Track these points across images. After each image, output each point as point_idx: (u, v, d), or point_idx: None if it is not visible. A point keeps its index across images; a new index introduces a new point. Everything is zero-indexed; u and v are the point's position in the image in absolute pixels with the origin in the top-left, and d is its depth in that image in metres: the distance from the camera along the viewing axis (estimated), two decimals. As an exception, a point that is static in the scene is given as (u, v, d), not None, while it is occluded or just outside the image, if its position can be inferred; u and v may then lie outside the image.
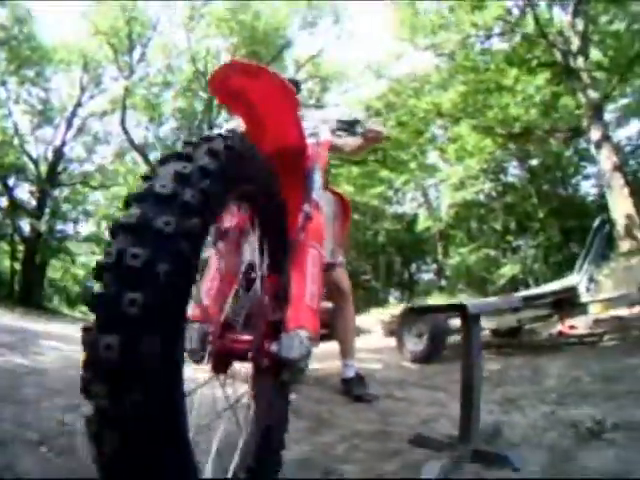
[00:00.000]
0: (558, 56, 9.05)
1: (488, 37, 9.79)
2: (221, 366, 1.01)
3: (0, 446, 1.26)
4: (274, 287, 1.15)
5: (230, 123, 2.32)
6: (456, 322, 3.74)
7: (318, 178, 1.53)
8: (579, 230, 14.42)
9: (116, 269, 0.64)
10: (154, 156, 18.59)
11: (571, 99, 10.26)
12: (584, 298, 2.94)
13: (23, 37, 14.46)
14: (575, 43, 8.85)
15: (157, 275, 0.62)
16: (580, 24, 8.99)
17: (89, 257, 24.18)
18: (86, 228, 20.97)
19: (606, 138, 8.49)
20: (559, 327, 3.51)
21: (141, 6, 15.21)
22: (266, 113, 1.30)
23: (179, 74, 16.54)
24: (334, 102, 19.44)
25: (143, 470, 0.61)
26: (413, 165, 16.17)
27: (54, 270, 22.16)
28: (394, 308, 9.78)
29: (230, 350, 0.99)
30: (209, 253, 1.28)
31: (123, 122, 15.17)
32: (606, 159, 8.34)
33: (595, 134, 8.58)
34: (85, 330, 0.64)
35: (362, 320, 6.66)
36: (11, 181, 16.06)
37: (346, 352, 2.33)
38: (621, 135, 14.18)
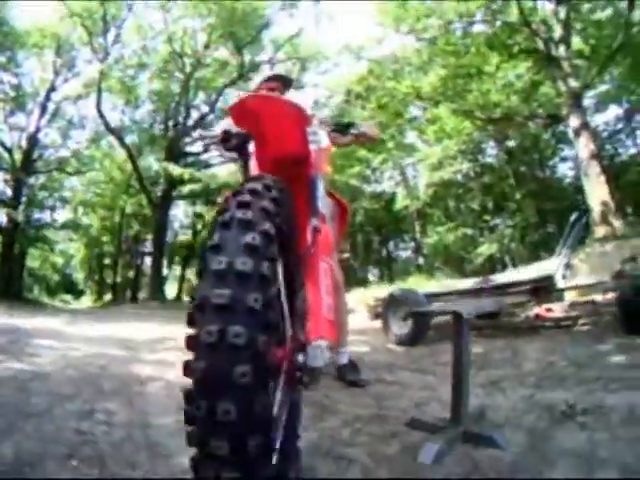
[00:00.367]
0: (540, 44, 9.17)
1: (470, 23, 9.85)
2: None
3: (35, 466, 1.32)
4: (294, 303, 1.25)
5: (222, 123, 2.36)
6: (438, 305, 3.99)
7: (321, 186, 1.56)
8: (555, 212, 14.93)
9: (222, 346, 0.78)
10: (130, 139, 18.25)
11: (551, 87, 10.47)
12: (560, 285, 3.16)
13: (-6, 23, 13.85)
14: (557, 31, 8.97)
15: (258, 348, 0.79)
16: (563, 12, 9.10)
17: (67, 244, 23.90)
18: (63, 215, 20.58)
19: (584, 126, 8.72)
20: (536, 310, 3.77)
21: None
22: (274, 127, 1.43)
23: (155, 55, 16.12)
24: (313, 83, 19.33)
25: None
26: (391, 145, 16.30)
27: (32, 259, 21.82)
28: (375, 288, 9.97)
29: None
30: None
31: (99, 105, 14.78)
32: (584, 147, 8.59)
33: (574, 122, 8.81)
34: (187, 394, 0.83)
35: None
36: (-16, 171, 15.60)
37: (339, 340, 2.45)
38: (599, 120, 14.70)
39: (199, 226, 23.89)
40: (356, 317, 5.86)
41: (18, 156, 16.26)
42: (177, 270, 26.42)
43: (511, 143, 16.18)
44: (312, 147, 1.57)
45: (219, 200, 2.45)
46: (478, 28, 10.05)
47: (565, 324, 3.29)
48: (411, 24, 10.21)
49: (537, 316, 3.61)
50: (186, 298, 24.28)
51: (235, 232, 0.89)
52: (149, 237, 21.41)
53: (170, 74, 16.59)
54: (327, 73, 17.77)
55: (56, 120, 17.20)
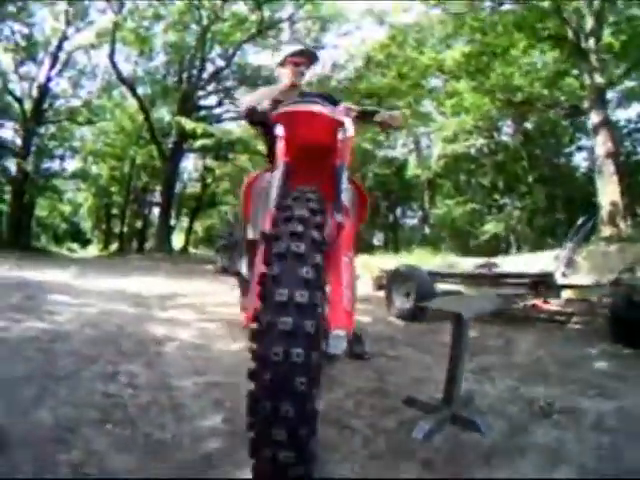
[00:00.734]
0: (570, 34, 8.82)
1: (500, 4, 9.44)
2: None
3: (75, 432, 1.46)
4: None
5: (247, 98, 2.35)
6: (442, 286, 4.15)
7: (346, 178, 1.61)
8: (565, 199, 14.88)
9: (286, 363, 0.99)
10: (143, 90, 18.00)
11: (576, 78, 10.17)
12: (559, 281, 3.28)
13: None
14: (589, 23, 8.61)
15: (312, 363, 1.01)
16: (597, 3, 8.69)
17: (75, 193, 24.08)
18: (72, 165, 20.65)
19: (605, 123, 8.55)
20: (533, 300, 3.92)
21: None
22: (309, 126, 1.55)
23: (171, 7, 15.64)
24: (332, 44, 18.79)
25: None
26: (407, 112, 16.05)
27: (41, 208, 22.07)
28: (380, 256, 10.07)
29: None
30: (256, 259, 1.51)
31: (112, 56, 14.50)
32: (601, 144, 8.47)
33: (595, 117, 8.64)
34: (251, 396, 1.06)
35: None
36: (-5, 121, 15.57)
37: None
38: (620, 116, 14.33)
39: (209, 179, 23.92)
40: (360, 284, 6.08)
41: (28, 106, 16.11)
42: (184, 221, 26.70)
43: (529, 125, 15.86)
44: (339, 136, 1.61)
45: (244, 180, 2.42)
46: (508, 7, 9.62)
47: (559, 319, 3.43)
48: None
49: (534, 306, 3.75)
50: (192, 250, 24.70)
51: (291, 265, 1.06)
52: (158, 188, 21.52)
53: (186, 26, 16.14)
54: (347, 35, 17.26)
55: (67, 70, 16.97)
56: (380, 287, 4.74)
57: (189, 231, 24.94)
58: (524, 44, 9.30)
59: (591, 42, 8.60)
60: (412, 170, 20.37)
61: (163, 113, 20.20)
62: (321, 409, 1.72)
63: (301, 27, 17.57)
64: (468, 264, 6.18)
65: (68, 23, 15.24)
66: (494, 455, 1.48)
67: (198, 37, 16.03)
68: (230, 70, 17.82)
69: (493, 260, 5.29)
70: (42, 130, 17.17)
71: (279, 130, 1.66)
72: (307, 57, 2.52)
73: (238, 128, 17.83)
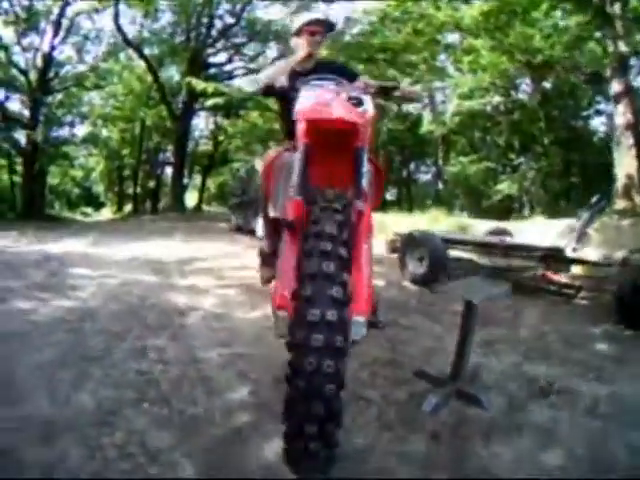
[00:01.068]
0: None
1: None
2: None
3: (116, 415, 1.58)
4: None
5: (265, 73, 2.28)
6: (454, 253, 4.22)
7: (366, 161, 1.60)
8: (581, 164, 14.55)
9: (318, 373, 1.14)
10: (150, 51, 17.57)
11: (598, 44, 9.63)
12: (569, 255, 3.32)
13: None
14: None
15: (341, 373, 1.18)
16: None
17: (86, 158, 24.09)
18: (82, 130, 20.53)
19: (626, 93, 8.20)
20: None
21: None
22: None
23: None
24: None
25: None
26: (422, 67, 15.54)
27: (52, 176, 22.21)
28: (393, 215, 9.98)
29: None
30: (281, 243, 1.57)
31: (116, 19, 14.08)
32: (621, 114, 8.18)
33: (616, 86, 8.28)
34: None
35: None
36: (1, 94, 15.52)
37: None
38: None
39: (220, 137, 23.70)
40: (374, 245, 6.11)
41: (34, 76, 15.81)
42: (197, 179, 26.71)
43: (547, 85, 15.24)
44: (358, 119, 1.57)
45: (265, 159, 2.36)
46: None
47: (567, 292, 3.49)
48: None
49: (543, 276, 3.81)
50: (206, 207, 24.85)
51: (321, 285, 1.18)
52: (170, 148, 21.44)
53: (192, -18, 15.46)
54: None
55: (71, 36, 16.48)
56: (394, 250, 4.77)
57: (202, 189, 24.97)
58: (546, 5, 8.76)
59: (617, 6, 8.07)
60: (426, 126, 19.92)
61: (172, 72, 19.79)
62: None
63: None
64: (481, 228, 6.23)
65: (69, -13, 14.75)
66: (493, 431, 1.62)
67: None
68: (239, 26, 17.20)
69: (505, 226, 5.33)
70: (49, 99, 16.95)
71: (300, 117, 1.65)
72: (323, 26, 2.44)
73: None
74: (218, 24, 17.81)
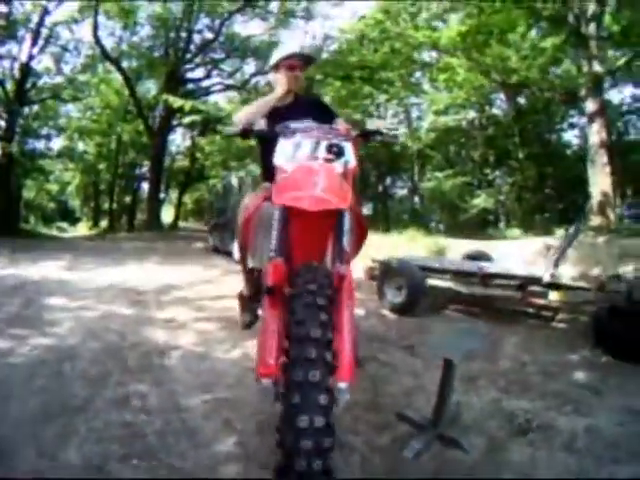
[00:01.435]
0: (570, 17, 8.62)
1: None
2: None
3: (104, 471, 1.55)
4: None
5: (240, 115, 2.22)
6: (433, 282, 4.28)
7: (348, 221, 1.57)
8: (555, 178, 15.05)
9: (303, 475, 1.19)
10: (128, 64, 17.46)
11: (574, 66, 10.01)
12: (546, 279, 3.40)
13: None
14: (591, 7, 8.39)
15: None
16: None
17: (62, 172, 23.64)
18: (58, 143, 20.21)
19: (600, 113, 8.49)
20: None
21: None
22: None
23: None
24: (324, 13, 18.22)
25: None
26: (398, 84, 15.89)
27: (28, 189, 21.75)
28: (370, 232, 10.11)
29: None
30: (261, 312, 1.59)
31: (96, 32, 13.96)
32: (595, 133, 8.45)
33: (590, 106, 8.58)
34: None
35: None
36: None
37: None
38: (613, 96, 14.19)
39: (197, 154, 23.60)
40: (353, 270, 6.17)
41: (10, 86, 15.62)
42: (174, 194, 26.45)
43: (522, 100, 15.78)
44: (341, 202, 1.53)
45: (244, 211, 2.32)
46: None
47: (545, 315, 3.60)
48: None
49: (522, 299, 3.88)
50: (182, 223, 24.60)
51: (308, 392, 1.23)
52: (146, 163, 21.24)
53: (172, -3, 15.52)
54: (339, 6, 16.76)
55: (49, 46, 16.36)
56: (372, 277, 4.84)
57: (179, 205, 24.77)
58: (522, 27, 9.07)
59: (592, 27, 8.43)
60: (402, 142, 20.31)
61: (150, 86, 19.71)
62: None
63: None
64: (459, 249, 6.35)
65: (50, -4, 14.59)
66: (475, 473, 1.66)
67: (184, 8, 15.45)
68: (218, 41, 17.28)
69: (482, 249, 5.44)
70: (26, 110, 16.74)
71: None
72: (302, 60, 2.43)
73: (227, 104, 17.51)
74: (197, 39, 17.91)
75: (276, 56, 2.44)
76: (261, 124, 2.02)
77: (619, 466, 1.69)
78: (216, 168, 23.21)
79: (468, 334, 2.03)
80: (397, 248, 7.12)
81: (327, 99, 16.13)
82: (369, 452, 1.81)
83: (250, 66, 18.67)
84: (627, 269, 4.43)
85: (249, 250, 2.09)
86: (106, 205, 23.69)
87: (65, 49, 16.80)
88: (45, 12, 14.85)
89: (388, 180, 24.35)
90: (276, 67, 2.41)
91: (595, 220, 8.04)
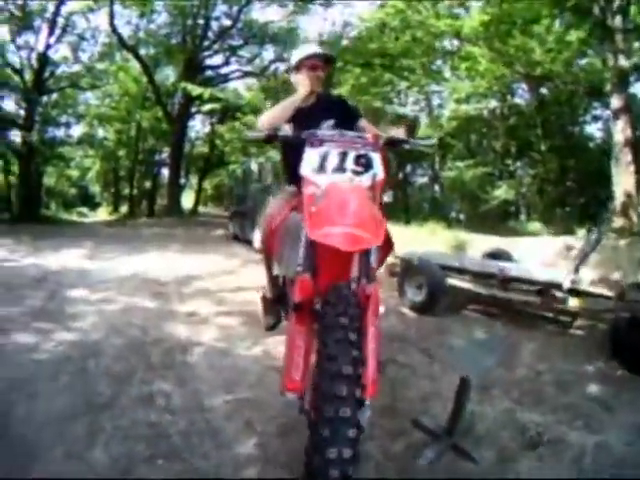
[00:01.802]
0: (596, 10, 8.25)
1: None
2: None
3: (131, 473, 1.62)
4: None
5: (263, 119, 2.18)
6: (453, 281, 4.27)
7: (376, 249, 1.60)
8: (577, 171, 14.64)
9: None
10: (146, 51, 17.52)
11: (599, 61, 9.63)
12: (566, 285, 3.36)
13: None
14: (617, 0, 8.01)
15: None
16: None
17: (83, 159, 24.02)
18: (78, 130, 20.50)
19: (626, 109, 8.15)
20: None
21: None
22: None
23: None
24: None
25: None
26: (419, 72, 15.63)
27: (48, 176, 22.20)
28: (391, 223, 10.06)
29: None
30: (287, 327, 1.63)
31: (112, 21, 14.00)
32: (620, 131, 8.14)
33: (615, 102, 8.26)
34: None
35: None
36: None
37: None
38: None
39: (217, 141, 23.67)
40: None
41: (29, 76, 15.83)
42: (194, 180, 26.68)
43: (545, 90, 15.33)
44: (373, 239, 1.51)
45: (268, 219, 2.33)
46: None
47: (563, 320, 3.58)
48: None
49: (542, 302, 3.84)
50: (202, 208, 24.86)
51: (338, 427, 1.27)
52: (166, 149, 21.43)
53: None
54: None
55: (66, 35, 16.48)
56: (393, 274, 4.81)
57: (199, 190, 24.98)
58: (547, 19, 8.74)
59: (617, 20, 8.07)
60: (423, 131, 20.01)
61: (168, 73, 19.77)
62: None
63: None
64: (479, 245, 6.30)
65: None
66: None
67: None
68: (236, 28, 17.18)
69: (503, 248, 5.37)
70: (45, 99, 17.02)
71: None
72: (323, 60, 2.41)
73: (246, 92, 17.48)
74: (214, 26, 17.80)
75: (297, 56, 2.42)
76: (286, 129, 2.00)
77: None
78: (236, 154, 23.31)
79: (487, 348, 2.04)
80: (417, 241, 7.11)
81: (347, 87, 15.98)
82: (383, 459, 1.86)
83: (269, 52, 18.53)
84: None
85: (275, 258, 2.13)
86: (126, 191, 24.06)
87: (82, 38, 16.93)
88: (61, 2, 14.96)
89: (408, 167, 24.06)
90: (297, 67, 2.39)
91: (617, 221, 7.81)
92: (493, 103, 17.79)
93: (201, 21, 16.89)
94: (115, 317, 3.56)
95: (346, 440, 1.26)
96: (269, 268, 2.33)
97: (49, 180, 23.56)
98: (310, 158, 1.78)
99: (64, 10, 15.52)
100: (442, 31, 10.50)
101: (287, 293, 2.07)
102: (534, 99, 15.42)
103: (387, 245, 2.00)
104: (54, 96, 17.99)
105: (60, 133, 18.85)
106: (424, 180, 24.68)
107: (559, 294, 3.40)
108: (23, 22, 14.95)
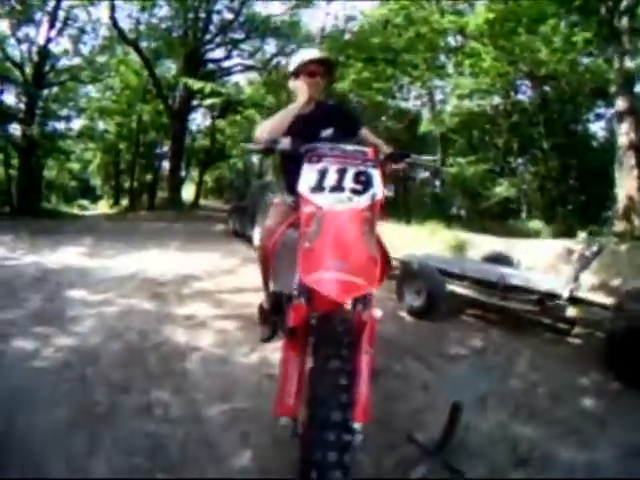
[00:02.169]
0: (603, 10, 8.16)
1: None
2: None
3: None
4: None
5: (260, 131, 2.16)
6: (452, 287, 4.28)
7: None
8: (579, 169, 14.60)
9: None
10: (147, 44, 17.42)
11: (605, 62, 9.52)
12: (565, 295, 3.36)
13: None
14: (625, 0, 7.88)
15: None
16: None
17: (83, 151, 23.98)
18: (78, 123, 20.45)
19: (631, 112, 8.03)
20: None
21: None
22: None
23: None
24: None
25: None
26: (422, 67, 15.52)
27: (49, 169, 22.19)
28: (391, 223, 9.95)
29: None
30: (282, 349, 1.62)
31: (113, 15, 13.92)
32: (624, 134, 8.02)
33: (620, 104, 8.15)
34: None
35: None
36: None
37: None
38: None
39: (217, 135, 23.67)
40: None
41: (29, 69, 15.79)
42: (194, 172, 26.68)
43: (548, 88, 15.23)
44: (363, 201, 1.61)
45: (265, 237, 2.24)
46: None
47: (562, 327, 3.59)
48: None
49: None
50: (203, 202, 24.91)
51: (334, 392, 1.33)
52: (166, 142, 21.39)
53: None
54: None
55: (67, 28, 16.43)
56: (391, 277, 4.80)
57: (200, 183, 24.98)
58: (553, 19, 8.61)
59: (624, 21, 7.94)
60: (425, 126, 19.91)
61: (170, 66, 19.68)
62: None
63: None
64: (480, 246, 6.30)
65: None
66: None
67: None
68: (238, 22, 17.08)
69: (503, 252, 5.38)
70: (45, 92, 16.96)
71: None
72: (323, 65, 2.36)
73: (248, 86, 17.41)
74: (216, 19, 17.70)
75: (295, 62, 2.37)
76: (285, 143, 1.93)
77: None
78: (237, 147, 23.26)
79: (481, 376, 2.03)
80: (417, 242, 7.12)
81: (349, 81, 15.86)
82: (376, 473, 1.89)
83: (271, 46, 18.46)
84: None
85: (272, 275, 2.14)
86: (127, 184, 24.04)
87: (83, 31, 16.86)
88: (62, -6, 14.87)
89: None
90: (296, 74, 2.34)
91: (619, 225, 7.76)
92: (496, 99, 17.69)
93: (203, 14, 16.80)
94: (114, 320, 3.57)
95: (338, 465, 1.27)
96: (266, 282, 2.34)
97: (50, 173, 23.57)
98: (308, 175, 1.74)
99: (65, 3, 15.50)
100: (446, 28, 10.40)
101: (284, 307, 2.07)
102: (537, 96, 15.31)
103: (385, 265, 1.94)
104: (54, 89, 17.96)
105: (61, 126, 18.82)
106: (425, 175, 24.57)
107: (558, 302, 3.42)
108: (23, 15, 14.85)
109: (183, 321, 3.66)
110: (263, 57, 18.47)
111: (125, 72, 18.66)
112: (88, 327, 3.38)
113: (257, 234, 7.29)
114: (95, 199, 28.39)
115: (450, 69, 16.80)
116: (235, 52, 18.81)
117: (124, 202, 23.57)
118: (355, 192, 1.68)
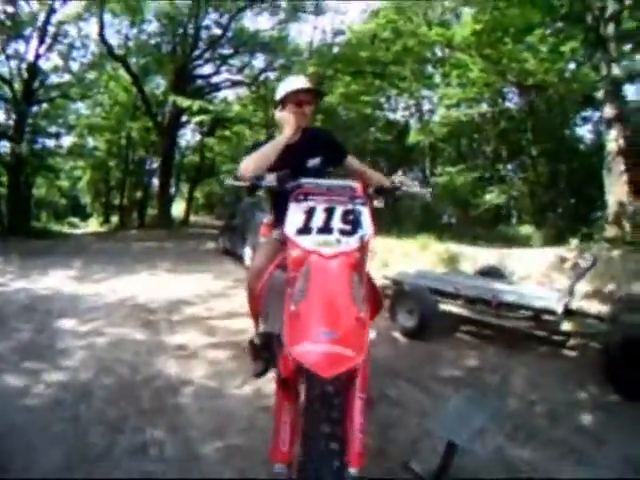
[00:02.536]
0: (589, 19, 8.27)
1: None
2: None
3: None
4: None
5: (243, 167, 2.04)
6: (445, 307, 4.27)
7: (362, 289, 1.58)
8: (568, 174, 14.72)
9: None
10: (136, 60, 17.48)
11: (593, 70, 9.66)
12: (559, 310, 3.38)
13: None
14: (610, 7, 7.98)
15: None
16: None
17: (73, 169, 23.88)
18: (68, 140, 20.37)
19: (619, 119, 8.09)
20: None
21: None
22: None
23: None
24: (334, 8, 18.04)
25: None
26: (410, 78, 15.72)
27: (39, 187, 22.07)
28: (382, 236, 9.95)
29: None
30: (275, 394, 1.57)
31: (102, 31, 13.95)
32: (613, 140, 8.06)
33: (608, 111, 8.20)
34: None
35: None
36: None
37: None
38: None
39: (207, 153, 23.69)
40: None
41: (18, 86, 15.74)
42: (184, 188, 26.65)
43: (535, 95, 15.41)
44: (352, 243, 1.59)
45: (253, 278, 2.14)
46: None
47: (557, 339, 3.60)
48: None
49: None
50: (193, 218, 24.90)
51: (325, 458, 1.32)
52: (156, 159, 21.39)
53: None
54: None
55: (56, 45, 16.44)
56: (384, 296, 4.78)
57: (190, 199, 24.94)
58: (540, 28, 8.70)
59: (610, 28, 8.03)
60: (413, 137, 20.08)
61: (159, 82, 19.74)
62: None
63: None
64: (472, 257, 6.30)
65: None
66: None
67: (192, 4, 15.37)
68: (226, 37, 17.21)
69: (496, 265, 5.39)
70: (35, 109, 16.90)
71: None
72: (310, 94, 2.31)
73: (236, 103, 17.51)
74: (205, 35, 17.86)
75: (282, 90, 2.30)
76: (270, 179, 1.88)
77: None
78: (227, 163, 23.29)
79: (476, 409, 1.99)
80: (409, 257, 7.14)
81: (337, 95, 15.99)
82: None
83: (259, 61, 18.60)
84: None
85: (261, 317, 2.10)
86: (117, 201, 23.94)
87: (72, 47, 16.86)
88: (51, 11, 14.88)
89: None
90: (282, 103, 2.29)
91: (610, 231, 7.78)
92: (484, 107, 17.90)
93: (191, 30, 16.90)
94: (104, 352, 3.52)
95: None
96: (256, 322, 2.31)
97: (39, 191, 23.40)
98: (294, 216, 1.70)
99: (54, 19, 15.52)
100: (433, 40, 10.53)
101: (274, 347, 2.04)
102: (525, 104, 15.50)
103: (376, 302, 1.94)
104: (44, 106, 17.90)
105: (50, 143, 18.73)
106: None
107: (553, 318, 3.42)
108: (13, 31, 14.82)
109: (174, 351, 3.60)
110: (252, 72, 18.58)
111: (114, 89, 18.68)
112: (79, 360, 3.32)
113: (247, 254, 7.31)
114: (85, 217, 28.21)
115: (438, 79, 17.04)
116: (224, 67, 18.94)
117: (114, 219, 23.45)
118: (344, 233, 1.64)
